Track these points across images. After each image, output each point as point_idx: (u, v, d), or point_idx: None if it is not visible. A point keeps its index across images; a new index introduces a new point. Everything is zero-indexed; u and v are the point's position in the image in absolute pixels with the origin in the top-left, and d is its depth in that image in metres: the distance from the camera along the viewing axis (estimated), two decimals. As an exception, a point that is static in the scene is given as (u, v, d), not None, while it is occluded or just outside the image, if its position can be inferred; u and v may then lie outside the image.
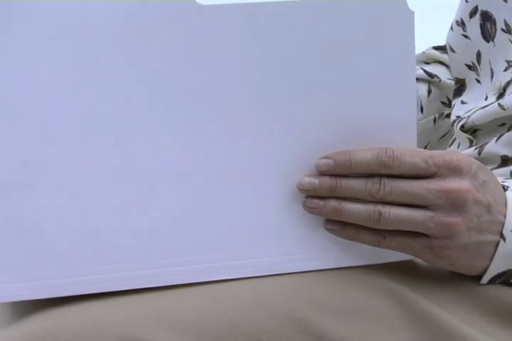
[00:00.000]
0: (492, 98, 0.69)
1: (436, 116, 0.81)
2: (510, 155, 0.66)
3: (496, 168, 0.66)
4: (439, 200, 0.52)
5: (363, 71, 0.53)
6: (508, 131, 0.66)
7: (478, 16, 0.71)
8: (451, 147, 0.76)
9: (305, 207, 0.54)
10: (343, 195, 0.53)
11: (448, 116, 0.81)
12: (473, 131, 0.71)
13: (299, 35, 0.52)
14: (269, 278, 0.54)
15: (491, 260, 0.55)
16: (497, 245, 0.54)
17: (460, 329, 0.54)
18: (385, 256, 0.56)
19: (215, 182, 0.53)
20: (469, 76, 0.75)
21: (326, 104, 0.53)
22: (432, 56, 0.84)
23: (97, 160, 0.52)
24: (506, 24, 0.68)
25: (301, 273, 0.55)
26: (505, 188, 0.56)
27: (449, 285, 0.56)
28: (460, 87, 0.76)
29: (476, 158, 0.65)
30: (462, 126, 0.71)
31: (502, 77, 0.68)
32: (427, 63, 0.84)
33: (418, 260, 0.57)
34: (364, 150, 0.53)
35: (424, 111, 0.81)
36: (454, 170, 0.52)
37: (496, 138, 0.67)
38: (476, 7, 0.72)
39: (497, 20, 0.69)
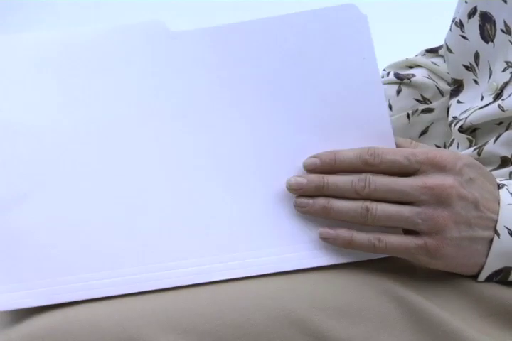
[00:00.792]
0: (488, 98, 0.69)
1: (410, 112, 0.81)
2: (509, 156, 0.66)
3: (495, 169, 0.66)
4: (423, 196, 0.53)
5: (330, 74, 0.57)
6: (506, 130, 0.67)
7: (477, 17, 0.71)
8: (450, 147, 0.76)
9: (296, 206, 0.55)
10: (331, 193, 0.55)
11: (424, 111, 0.81)
12: (472, 131, 0.71)
13: (266, 49, 0.57)
14: (270, 279, 0.54)
15: (487, 257, 0.55)
16: (491, 241, 0.55)
17: (460, 330, 0.54)
18: None
19: (210, 185, 0.55)
20: (467, 76, 0.75)
21: (303, 108, 0.57)
22: (414, 62, 0.85)
23: (90, 167, 0.55)
24: (506, 25, 0.68)
25: (302, 274, 0.55)
26: (499, 186, 0.56)
27: (449, 285, 0.57)
28: (457, 87, 0.76)
29: (476, 159, 0.66)
30: (460, 126, 0.71)
31: (499, 78, 0.68)
32: (411, 67, 0.85)
33: (418, 260, 0.57)
34: (349, 149, 0.55)
35: (393, 109, 0.82)
36: (437, 167, 0.54)
37: (494, 138, 0.67)
38: (475, 8, 0.71)
39: (497, 21, 0.69)
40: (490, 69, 0.71)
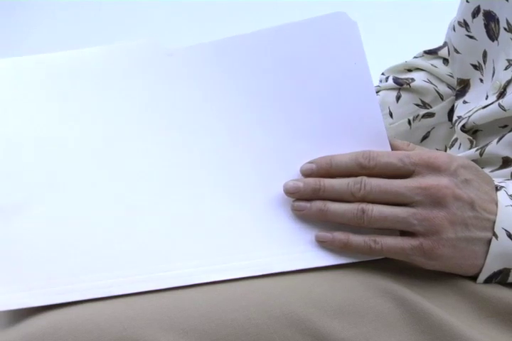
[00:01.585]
0: (492, 97, 0.69)
1: (411, 118, 0.82)
2: (511, 156, 0.66)
3: (497, 170, 0.66)
4: (418, 197, 0.54)
5: (323, 80, 0.58)
6: (510, 131, 0.66)
7: (481, 16, 0.71)
8: (452, 148, 0.76)
9: (293, 210, 0.56)
10: (328, 196, 0.55)
11: (425, 116, 0.81)
12: (473, 132, 0.71)
13: (260, 60, 0.58)
14: (270, 279, 0.54)
15: (485, 258, 0.55)
16: (489, 243, 0.55)
17: (460, 330, 0.54)
18: None
19: (209, 189, 0.56)
20: (474, 76, 0.75)
21: (298, 115, 0.58)
22: (413, 65, 0.85)
23: (89, 172, 0.56)
24: (508, 23, 0.68)
25: (302, 274, 0.55)
26: (497, 188, 0.56)
27: (449, 286, 0.57)
28: (463, 87, 0.76)
29: (478, 160, 0.66)
30: (463, 126, 0.71)
31: (502, 76, 0.68)
32: (410, 70, 0.85)
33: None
34: (344, 153, 0.56)
35: (394, 116, 0.82)
36: (432, 168, 0.54)
37: (497, 139, 0.67)
38: (479, 7, 0.71)
39: (500, 19, 0.69)
40: (493, 67, 0.71)
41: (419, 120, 0.82)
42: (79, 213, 0.55)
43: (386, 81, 0.84)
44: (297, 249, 0.56)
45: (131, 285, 0.53)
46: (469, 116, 0.70)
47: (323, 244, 0.56)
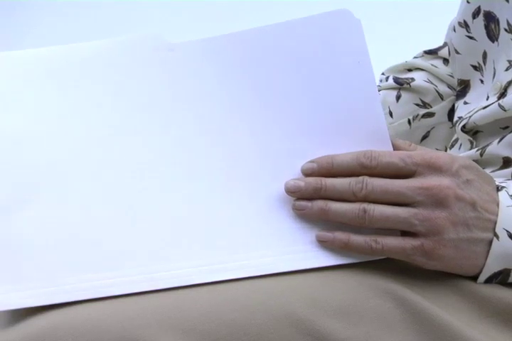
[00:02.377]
0: (493, 98, 0.69)
1: (411, 117, 0.82)
2: (511, 156, 0.66)
3: (497, 170, 0.66)
4: (420, 197, 0.53)
5: (326, 78, 0.57)
6: (511, 132, 0.66)
7: (481, 17, 0.71)
8: (452, 148, 0.76)
9: (294, 209, 0.56)
10: (329, 196, 0.55)
11: (424, 116, 0.82)
12: (474, 133, 0.71)
13: (263, 56, 0.58)
14: (270, 279, 0.54)
15: (486, 258, 0.55)
16: (490, 243, 0.55)
17: (460, 330, 0.54)
18: None
19: (210, 188, 0.56)
20: (474, 76, 0.75)
21: (300, 113, 0.57)
22: (413, 65, 0.85)
23: (90, 171, 0.56)
24: (509, 24, 0.68)
25: (302, 274, 0.55)
26: (498, 188, 0.56)
27: (449, 286, 0.57)
28: (464, 88, 0.76)
29: (478, 160, 0.66)
30: (464, 126, 0.71)
31: (503, 77, 0.68)
32: (410, 70, 0.85)
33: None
34: (346, 153, 0.56)
35: (393, 115, 0.83)
36: (434, 168, 0.54)
37: (498, 139, 0.67)
38: (479, 8, 0.71)
39: (500, 20, 0.69)
40: (494, 68, 0.71)
41: (419, 120, 0.82)
42: (78, 213, 0.55)
43: (386, 81, 0.84)
44: (298, 249, 0.55)
45: (131, 285, 0.53)
46: (470, 117, 0.70)
47: (323, 244, 0.55)
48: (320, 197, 0.55)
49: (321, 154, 0.56)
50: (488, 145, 0.67)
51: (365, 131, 0.57)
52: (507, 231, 0.55)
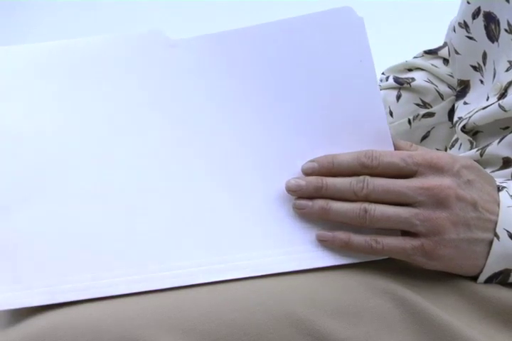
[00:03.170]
0: (493, 98, 0.69)
1: (411, 117, 0.82)
2: (511, 156, 0.66)
3: (497, 170, 0.66)
4: (421, 197, 0.53)
5: (328, 77, 0.57)
6: (511, 133, 0.66)
7: (481, 17, 0.71)
8: (452, 148, 0.76)
9: (295, 208, 0.56)
10: (330, 195, 0.55)
11: (425, 116, 0.82)
12: (474, 133, 0.71)
13: (264, 53, 0.57)
14: (270, 279, 0.54)
15: (487, 259, 0.55)
16: (490, 243, 0.55)
17: (460, 330, 0.54)
18: None
19: (210, 187, 0.56)
20: (474, 77, 0.75)
21: (301, 111, 0.57)
22: (414, 64, 0.85)
23: (89, 170, 0.56)
24: (509, 24, 0.68)
25: (302, 274, 0.55)
26: (499, 188, 0.56)
27: (449, 286, 0.57)
28: (463, 88, 0.76)
29: (478, 160, 0.66)
30: (463, 126, 0.71)
31: (503, 78, 0.68)
32: (410, 70, 0.85)
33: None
34: (347, 153, 0.56)
35: (394, 115, 0.83)
36: (435, 169, 0.54)
37: (498, 139, 0.67)
38: (479, 8, 0.71)
39: (500, 20, 0.69)
40: (494, 69, 0.71)
41: (419, 119, 0.82)
42: (78, 213, 0.55)
43: (386, 80, 0.84)
44: (298, 249, 0.55)
45: (131, 285, 0.53)
46: (470, 117, 0.70)
47: (323, 243, 0.55)
48: (321, 196, 0.55)
49: (321, 153, 0.56)
50: (488, 145, 0.67)
51: (367, 131, 0.57)
52: (507, 231, 0.55)
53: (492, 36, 0.70)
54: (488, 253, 0.55)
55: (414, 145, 0.58)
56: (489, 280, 0.56)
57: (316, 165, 0.56)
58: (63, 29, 2.41)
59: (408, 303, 0.54)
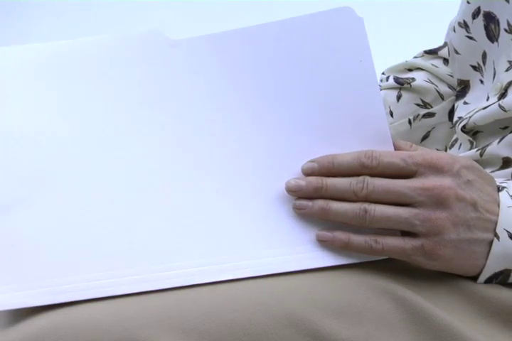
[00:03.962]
0: (493, 98, 0.69)
1: (411, 117, 0.82)
2: (511, 156, 0.66)
3: (497, 170, 0.66)
4: (421, 197, 0.53)
5: (327, 77, 0.57)
6: (511, 132, 0.66)
7: (481, 17, 0.71)
8: (452, 148, 0.76)
9: (295, 208, 0.56)
10: (330, 195, 0.55)
11: (425, 116, 0.82)
12: (474, 133, 0.71)
13: (264, 54, 0.57)
14: (271, 279, 0.54)
15: (487, 259, 0.55)
16: (490, 243, 0.55)
17: (460, 330, 0.54)
18: None
19: (210, 187, 0.56)
20: (474, 77, 0.75)
21: (301, 111, 0.57)
22: (414, 64, 0.85)
23: (90, 170, 0.56)
24: (509, 24, 0.68)
25: (302, 275, 0.55)
26: (499, 189, 0.56)
27: (449, 286, 0.57)
28: (463, 88, 0.76)
29: (478, 160, 0.66)
30: (464, 126, 0.71)
31: (504, 78, 0.68)
32: (410, 70, 0.85)
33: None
34: (346, 153, 0.56)
35: (394, 115, 0.83)
36: (435, 169, 0.54)
37: (498, 139, 0.67)
38: (479, 8, 0.71)
39: (500, 20, 0.69)
40: (494, 69, 0.71)
41: (420, 120, 0.82)
42: (78, 213, 0.55)
43: (387, 80, 0.84)
44: (298, 249, 0.55)
45: (131, 285, 0.53)
46: (470, 117, 0.70)
47: (323, 243, 0.55)
48: (321, 196, 0.55)
49: (321, 154, 0.56)
50: (488, 145, 0.67)
51: (367, 131, 0.57)
52: (507, 231, 0.55)
53: (492, 36, 0.70)
54: (488, 253, 0.55)
55: (414, 145, 0.58)
56: (489, 281, 0.56)
57: (315, 165, 0.56)
58: (63, 29, 2.41)
59: (408, 303, 0.54)
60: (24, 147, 0.56)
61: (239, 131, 0.57)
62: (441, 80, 0.83)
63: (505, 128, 0.67)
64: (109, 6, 2.53)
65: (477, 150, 0.68)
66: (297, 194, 0.56)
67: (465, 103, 0.75)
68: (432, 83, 0.83)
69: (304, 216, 0.56)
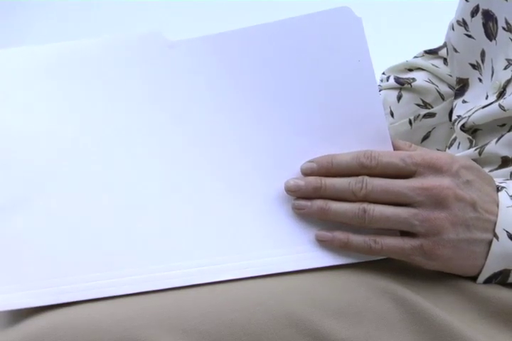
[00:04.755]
0: (492, 97, 0.69)
1: (412, 118, 0.82)
2: (510, 156, 0.66)
3: (496, 169, 0.66)
4: (420, 197, 0.54)
5: (326, 77, 0.57)
6: (509, 131, 0.66)
7: (479, 15, 0.71)
8: (451, 147, 0.76)
9: (294, 209, 0.56)
10: (329, 195, 0.55)
11: (425, 116, 0.82)
12: (473, 131, 0.71)
13: (263, 54, 0.57)
14: (270, 279, 0.54)
15: (486, 259, 0.55)
16: (489, 244, 0.55)
17: (460, 330, 0.54)
18: None
19: (209, 187, 0.56)
20: (473, 75, 0.75)
21: (300, 112, 0.57)
22: (414, 64, 0.85)
23: (90, 170, 0.56)
24: (507, 22, 0.67)
25: (302, 275, 0.55)
26: (498, 189, 0.56)
27: (449, 286, 0.57)
28: (462, 87, 0.76)
29: (477, 159, 0.66)
30: (463, 125, 0.71)
31: (502, 76, 0.68)
32: (410, 70, 0.85)
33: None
34: (345, 153, 0.56)
35: (394, 115, 0.82)
36: (434, 169, 0.54)
37: (496, 138, 0.67)
38: (477, 6, 0.71)
39: (498, 18, 0.69)
40: (492, 67, 0.71)
41: (420, 120, 0.82)
42: (79, 213, 0.55)
43: (387, 80, 0.84)
44: (297, 249, 0.55)
45: (131, 285, 0.53)
46: (469, 116, 0.70)
47: (322, 243, 0.55)
48: (320, 196, 0.55)
49: (320, 154, 0.56)
50: (486, 144, 0.67)
51: (366, 131, 0.57)
52: (507, 231, 0.55)
53: (490, 34, 0.70)
54: (487, 253, 0.55)
55: (413, 145, 0.58)
56: (489, 281, 0.56)
57: (314, 165, 0.56)
58: (63, 29, 2.41)
59: (408, 303, 0.54)
60: (24, 147, 0.56)
61: (238, 132, 0.57)
62: (442, 80, 0.83)
63: (503, 125, 0.67)
64: (109, 6, 2.53)
65: (476, 149, 0.68)
66: (296, 194, 0.56)
67: (464, 101, 0.75)
68: (433, 83, 0.83)
69: (304, 216, 0.56)
